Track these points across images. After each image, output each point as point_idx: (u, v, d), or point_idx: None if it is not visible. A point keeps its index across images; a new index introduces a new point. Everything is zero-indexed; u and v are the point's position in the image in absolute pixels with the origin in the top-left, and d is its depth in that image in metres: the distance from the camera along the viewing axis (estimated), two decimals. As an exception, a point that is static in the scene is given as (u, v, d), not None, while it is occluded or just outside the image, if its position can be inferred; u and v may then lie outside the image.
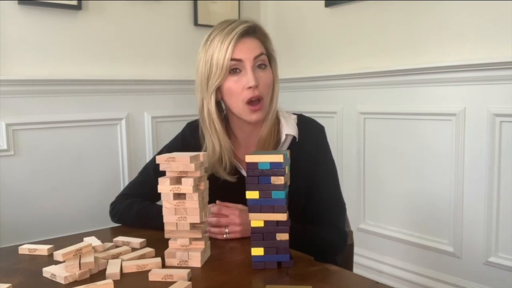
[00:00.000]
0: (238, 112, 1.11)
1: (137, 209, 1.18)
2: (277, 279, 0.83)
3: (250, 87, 1.06)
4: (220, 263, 0.91)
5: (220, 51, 1.06)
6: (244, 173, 1.16)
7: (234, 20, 1.11)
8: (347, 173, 2.36)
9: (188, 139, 1.23)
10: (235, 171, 1.16)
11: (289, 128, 1.15)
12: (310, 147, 1.16)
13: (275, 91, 1.15)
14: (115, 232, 1.13)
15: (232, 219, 1.05)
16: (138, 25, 2.35)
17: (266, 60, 1.11)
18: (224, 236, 1.05)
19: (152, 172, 1.20)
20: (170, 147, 1.24)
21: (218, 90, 1.11)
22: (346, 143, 2.38)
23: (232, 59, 1.06)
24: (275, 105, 1.15)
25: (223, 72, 1.07)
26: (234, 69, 1.08)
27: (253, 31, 1.11)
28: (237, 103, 1.09)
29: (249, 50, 1.07)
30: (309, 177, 1.14)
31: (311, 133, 1.18)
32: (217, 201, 1.09)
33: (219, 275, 0.86)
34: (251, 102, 1.08)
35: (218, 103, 1.14)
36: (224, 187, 1.12)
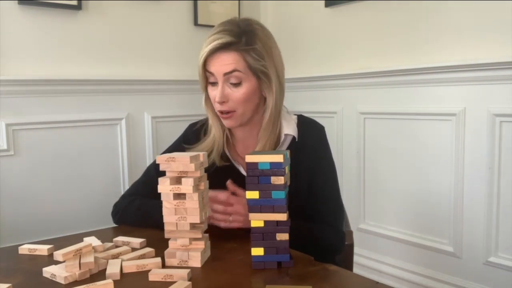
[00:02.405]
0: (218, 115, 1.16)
1: (138, 205, 1.18)
2: (277, 279, 0.83)
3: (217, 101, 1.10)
4: (220, 263, 0.91)
5: (199, 59, 1.11)
6: (242, 170, 1.17)
7: (226, 26, 1.09)
8: (347, 173, 2.36)
9: (190, 137, 1.25)
10: (227, 160, 1.19)
11: (288, 128, 1.16)
12: (310, 147, 1.16)
13: (269, 102, 1.12)
14: (115, 232, 1.13)
15: (238, 208, 1.04)
16: (138, 25, 2.36)
17: (241, 76, 1.08)
18: (226, 223, 1.05)
19: (154, 172, 1.20)
20: (172, 148, 1.26)
21: None
22: (346, 143, 2.38)
23: (206, 70, 1.11)
24: (271, 115, 1.12)
25: (202, 79, 1.13)
26: (212, 81, 1.12)
27: (233, 44, 1.07)
28: (214, 110, 1.16)
29: (220, 65, 1.08)
30: (309, 177, 1.15)
31: (311, 133, 1.18)
32: (229, 182, 1.07)
33: (219, 275, 0.86)
34: (219, 113, 1.12)
35: None
36: (218, 178, 1.11)
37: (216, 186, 1.07)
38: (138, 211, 1.17)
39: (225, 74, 1.08)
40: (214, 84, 1.11)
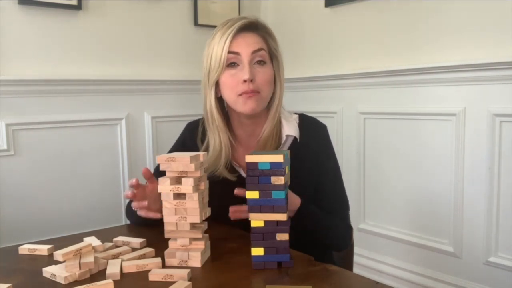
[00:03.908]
0: (233, 104, 1.10)
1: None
2: (277, 279, 0.83)
3: (245, 81, 1.05)
4: (220, 263, 0.91)
5: (219, 44, 1.07)
6: (242, 173, 1.15)
7: (238, 17, 1.12)
8: (347, 173, 2.36)
9: (187, 142, 1.23)
10: (234, 170, 1.16)
11: (289, 129, 1.15)
12: (314, 146, 1.15)
13: (277, 91, 1.14)
14: (115, 232, 1.13)
15: None
16: (138, 25, 2.35)
17: (266, 56, 1.10)
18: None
19: (156, 172, 1.20)
20: (172, 151, 1.25)
21: (218, 84, 1.11)
22: (346, 143, 2.38)
23: (229, 52, 1.06)
24: (278, 105, 1.14)
25: (221, 65, 1.07)
26: (232, 63, 1.08)
27: (255, 27, 1.11)
28: (231, 96, 1.09)
29: (247, 44, 1.07)
30: (314, 176, 1.14)
31: (313, 132, 1.18)
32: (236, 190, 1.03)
33: (219, 275, 0.86)
34: (244, 93, 1.07)
35: (220, 99, 1.15)
36: (223, 186, 1.12)
37: (223, 194, 1.05)
38: (129, 207, 1.18)
39: (253, 52, 1.07)
40: (235, 66, 1.08)
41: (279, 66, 1.14)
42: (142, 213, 1.06)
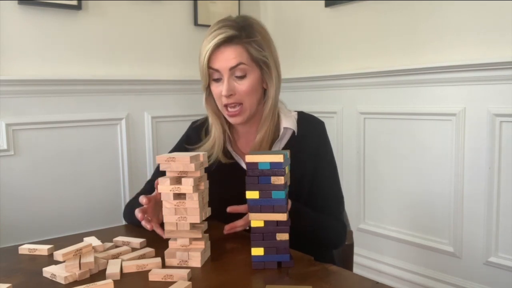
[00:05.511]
0: (221, 111, 1.17)
1: (132, 202, 1.20)
2: (277, 279, 0.83)
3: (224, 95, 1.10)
4: (220, 263, 0.91)
5: (201, 57, 1.11)
6: (242, 163, 1.19)
7: (225, 22, 1.11)
8: (347, 173, 2.36)
9: (191, 136, 1.27)
10: (233, 160, 1.20)
11: (288, 123, 1.17)
12: (311, 141, 1.18)
13: (269, 94, 1.15)
14: (115, 232, 1.13)
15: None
16: (138, 25, 2.35)
17: (247, 68, 1.10)
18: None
19: (157, 171, 1.22)
20: (176, 149, 1.28)
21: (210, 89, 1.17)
22: (346, 143, 2.38)
23: (209, 68, 1.11)
24: (272, 105, 1.15)
25: (205, 77, 1.12)
26: (215, 77, 1.12)
27: (236, 37, 1.09)
28: (218, 104, 1.16)
29: (225, 60, 1.09)
30: (310, 170, 1.16)
31: (311, 127, 1.20)
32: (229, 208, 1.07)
33: (219, 275, 0.86)
34: (227, 106, 1.12)
35: None
36: (222, 175, 1.14)
37: (220, 183, 1.08)
38: (127, 207, 1.20)
39: (231, 68, 1.09)
40: (218, 80, 1.12)
41: (269, 68, 1.13)
42: (147, 226, 1.06)
